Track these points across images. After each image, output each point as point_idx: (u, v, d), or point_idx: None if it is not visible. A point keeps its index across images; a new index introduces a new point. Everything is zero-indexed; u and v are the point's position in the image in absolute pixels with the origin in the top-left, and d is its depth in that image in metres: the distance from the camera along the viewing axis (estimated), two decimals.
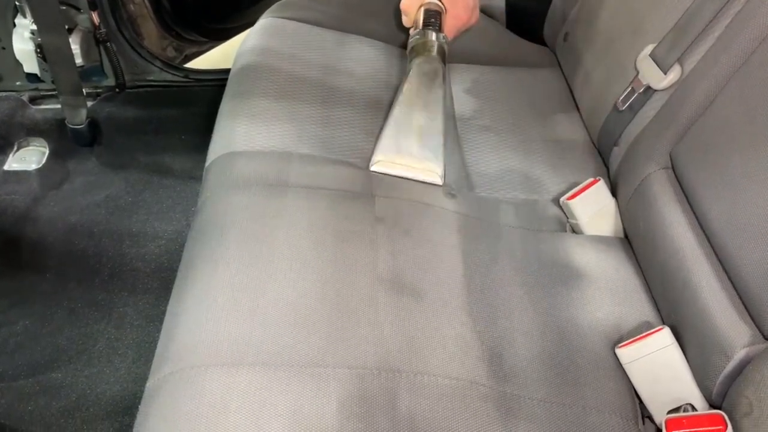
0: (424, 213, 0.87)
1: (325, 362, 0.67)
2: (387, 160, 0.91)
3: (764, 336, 0.64)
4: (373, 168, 0.91)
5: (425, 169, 0.90)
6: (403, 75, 1.13)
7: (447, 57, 1.04)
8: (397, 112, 0.93)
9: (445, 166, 0.91)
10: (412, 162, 0.90)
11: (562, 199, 0.93)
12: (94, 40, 1.55)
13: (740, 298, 0.67)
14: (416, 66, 0.95)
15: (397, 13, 1.11)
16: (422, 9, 1.02)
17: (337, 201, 0.85)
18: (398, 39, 1.17)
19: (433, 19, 0.99)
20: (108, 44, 1.57)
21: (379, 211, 0.85)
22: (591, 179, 0.92)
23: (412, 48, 0.99)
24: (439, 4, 1.01)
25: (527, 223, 0.91)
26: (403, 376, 0.67)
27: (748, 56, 0.76)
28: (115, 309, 1.24)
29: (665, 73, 0.87)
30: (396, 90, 1.09)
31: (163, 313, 0.77)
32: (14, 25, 1.49)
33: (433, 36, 0.97)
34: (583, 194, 0.91)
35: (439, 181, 0.90)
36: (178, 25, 1.73)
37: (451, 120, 1.08)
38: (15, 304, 1.24)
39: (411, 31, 1.05)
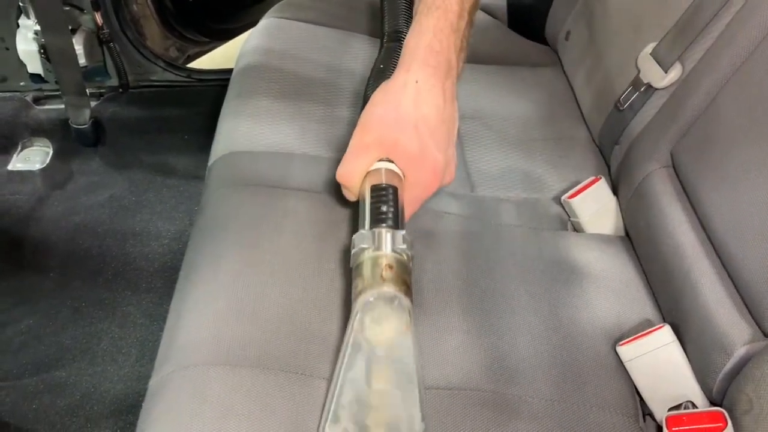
0: (426, 214, 0.87)
1: (324, 375, 0.66)
2: None
3: (764, 333, 0.64)
4: None
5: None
6: None
7: None
8: (343, 380, 0.58)
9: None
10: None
11: (563, 197, 0.93)
12: (98, 40, 1.56)
13: (740, 295, 0.68)
14: (361, 318, 0.57)
15: None
16: (369, 187, 0.66)
17: (342, 201, 0.85)
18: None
19: (383, 204, 0.64)
20: (111, 44, 1.57)
21: None
22: (592, 178, 0.93)
23: (356, 269, 0.62)
24: (394, 170, 0.67)
25: (528, 221, 0.91)
26: None
27: (749, 54, 0.76)
28: (118, 308, 1.24)
29: (666, 72, 0.87)
30: None
31: (167, 312, 0.77)
32: (18, 26, 1.50)
33: (389, 245, 0.61)
34: (584, 193, 0.91)
35: None
36: (181, 26, 1.74)
37: None
38: (19, 303, 1.25)
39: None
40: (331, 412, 0.59)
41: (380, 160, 0.67)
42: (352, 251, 0.63)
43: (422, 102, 0.67)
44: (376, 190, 0.65)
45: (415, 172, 0.68)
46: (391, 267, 0.59)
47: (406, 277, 0.60)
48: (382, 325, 0.57)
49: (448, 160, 0.70)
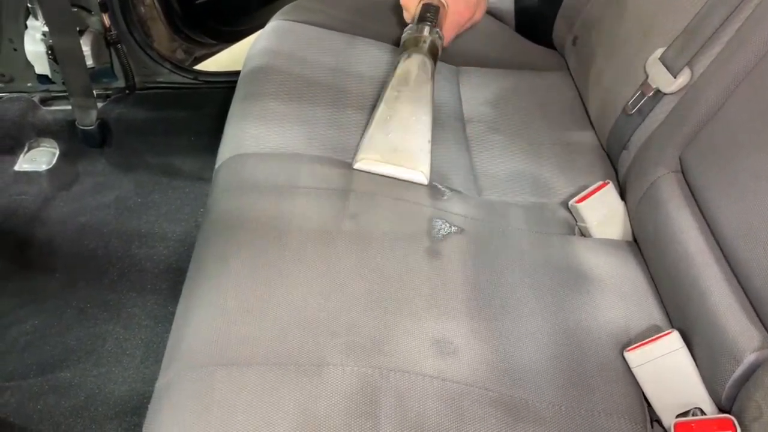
0: (434, 217, 0.87)
1: (333, 361, 0.67)
2: (371, 158, 0.89)
3: None
4: (356, 166, 0.89)
5: (410, 168, 0.88)
6: None
7: (456, 59, 1.04)
8: (382, 109, 0.90)
9: (431, 164, 0.89)
10: (397, 160, 0.88)
11: (571, 202, 0.93)
12: (105, 42, 1.56)
13: (750, 302, 0.67)
14: (404, 61, 0.92)
15: (398, 14, 1.12)
16: (421, 4, 0.99)
17: (348, 202, 0.85)
18: (399, 38, 1.17)
19: (429, 13, 0.96)
20: (118, 46, 1.58)
21: (389, 215, 0.85)
22: (600, 182, 0.92)
23: (403, 43, 0.96)
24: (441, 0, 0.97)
25: (536, 226, 0.91)
26: (411, 378, 0.67)
27: (759, 60, 0.76)
28: (123, 309, 1.24)
29: (675, 77, 0.86)
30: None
31: (171, 313, 0.77)
32: (26, 27, 1.50)
33: (426, 31, 0.94)
34: (592, 197, 0.91)
35: (424, 180, 0.89)
36: (188, 28, 1.74)
37: (459, 122, 1.09)
38: (25, 304, 1.25)
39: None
40: (365, 140, 0.90)
41: None
42: (402, 36, 0.97)
43: None
44: (425, 6, 0.98)
45: (455, 4, 0.99)
46: (425, 41, 0.94)
47: (436, 51, 0.95)
48: (414, 73, 0.90)
49: (479, 1, 1.03)
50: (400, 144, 0.89)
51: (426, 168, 0.89)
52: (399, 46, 1.00)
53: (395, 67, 0.91)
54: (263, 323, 0.70)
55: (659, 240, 0.81)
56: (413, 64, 0.90)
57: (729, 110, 0.78)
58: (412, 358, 0.69)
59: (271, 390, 0.64)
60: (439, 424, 0.64)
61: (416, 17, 0.99)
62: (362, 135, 0.92)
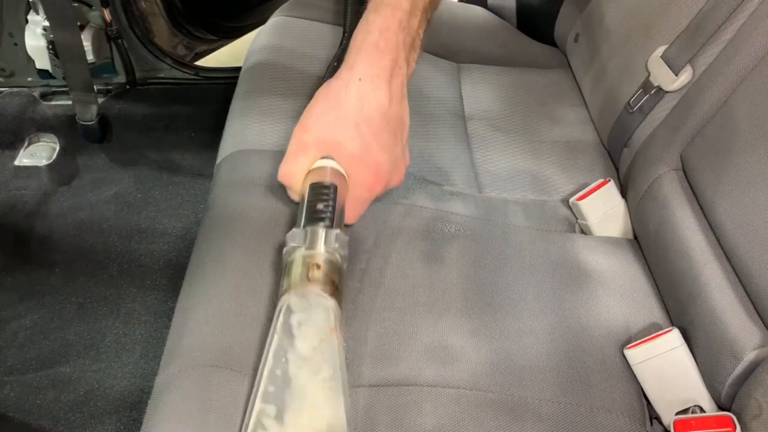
0: (432, 214, 0.87)
1: None
2: None
3: None
4: None
5: None
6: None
7: (457, 56, 1.01)
8: (265, 382, 0.56)
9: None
10: None
11: (571, 199, 0.93)
12: (106, 37, 1.56)
13: (751, 300, 0.67)
14: (286, 309, 0.57)
15: None
16: (308, 186, 0.66)
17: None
18: None
19: (323, 202, 0.63)
20: (119, 41, 1.57)
21: (389, 214, 0.85)
22: (601, 180, 0.92)
23: (285, 268, 0.62)
24: (336, 168, 0.66)
25: (536, 223, 0.91)
26: (408, 389, 0.67)
27: (761, 58, 0.76)
28: (123, 305, 1.24)
29: (677, 75, 0.86)
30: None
31: (171, 309, 0.77)
32: (27, 22, 1.50)
33: (321, 243, 0.60)
34: (592, 195, 0.91)
35: None
36: (189, 23, 1.74)
37: (460, 119, 1.08)
38: (24, 299, 1.25)
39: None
40: (253, 416, 0.55)
41: (324, 158, 0.66)
42: (284, 250, 0.62)
43: (365, 101, 0.66)
44: (314, 187, 0.65)
45: (357, 173, 0.67)
46: (319, 266, 0.58)
47: (334, 277, 0.59)
48: (306, 327, 0.56)
49: (395, 161, 0.68)
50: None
51: None
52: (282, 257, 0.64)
53: (277, 313, 0.58)
54: (263, 323, 0.69)
55: (660, 238, 0.81)
56: (305, 313, 0.56)
57: (731, 108, 0.78)
58: (410, 366, 0.69)
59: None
60: (439, 427, 0.64)
61: (303, 210, 0.65)
62: (245, 413, 0.59)
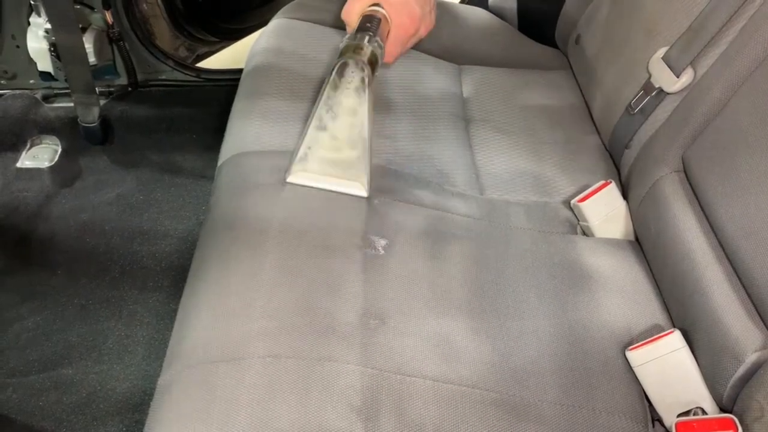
0: (434, 215, 0.87)
1: (335, 358, 0.67)
2: (305, 170, 0.85)
3: None
4: (289, 179, 0.86)
5: (347, 180, 0.85)
6: (414, 76, 1.13)
7: (459, 57, 1.01)
8: (316, 117, 0.84)
9: (370, 175, 0.85)
10: (333, 172, 0.85)
11: (573, 201, 0.93)
12: (108, 39, 1.56)
13: (752, 301, 0.67)
14: (339, 67, 0.83)
15: None
16: (362, 15, 0.90)
17: (350, 201, 0.85)
18: None
19: (370, 24, 0.87)
20: (121, 43, 1.58)
21: (391, 214, 0.85)
22: (602, 182, 0.92)
23: (340, 51, 0.86)
24: (383, 11, 0.88)
25: (538, 225, 0.91)
26: (411, 380, 0.67)
27: (762, 59, 0.76)
28: (125, 306, 1.24)
29: (678, 76, 0.86)
30: (407, 90, 1.10)
31: (173, 311, 0.77)
32: (29, 24, 1.50)
33: (366, 40, 0.84)
34: (594, 197, 0.91)
35: (363, 192, 0.86)
36: (191, 25, 1.74)
37: (462, 120, 1.09)
38: (27, 300, 1.25)
39: None
40: (299, 152, 0.84)
41: (374, 5, 0.87)
42: (340, 46, 0.84)
43: None
44: (364, 18, 0.87)
45: (397, 16, 0.88)
46: (362, 49, 0.82)
47: (375, 61, 0.83)
48: (351, 81, 0.81)
49: (425, 15, 0.91)
50: (336, 155, 0.85)
51: (364, 179, 0.85)
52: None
53: (330, 72, 0.83)
54: (265, 321, 0.70)
55: (661, 239, 0.81)
56: (350, 71, 0.82)
57: (732, 110, 0.78)
58: (414, 360, 0.69)
59: (272, 388, 0.64)
60: (439, 426, 0.64)
61: (356, 28, 0.90)
62: (296, 144, 0.86)
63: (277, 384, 0.64)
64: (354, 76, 0.81)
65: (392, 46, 0.89)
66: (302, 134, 0.85)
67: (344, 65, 0.81)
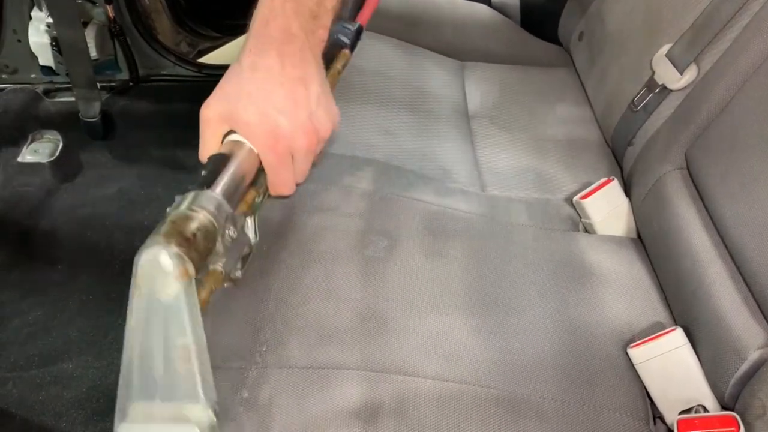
0: (436, 212, 0.87)
1: (334, 363, 0.67)
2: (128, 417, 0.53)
3: None
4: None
5: (174, 416, 0.53)
6: (416, 72, 1.13)
7: (461, 54, 0.99)
8: (126, 336, 0.53)
9: (211, 405, 0.53)
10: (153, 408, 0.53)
11: (575, 198, 0.93)
12: (109, 33, 1.56)
13: (755, 299, 0.67)
14: (134, 277, 0.54)
15: (402, 9, 1.10)
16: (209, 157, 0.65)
17: (351, 198, 0.85)
18: (406, 34, 1.16)
19: (205, 170, 0.61)
20: (122, 38, 1.58)
21: (393, 210, 0.85)
22: (604, 179, 0.92)
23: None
24: (239, 140, 0.64)
25: (539, 222, 0.91)
26: (411, 379, 0.67)
27: (766, 57, 0.75)
28: (126, 302, 1.24)
29: (681, 73, 0.86)
30: (408, 86, 1.09)
31: None
32: (30, 18, 1.51)
33: (185, 203, 0.57)
34: (596, 194, 0.90)
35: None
36: (192, 20, 1.74)
37: (464, 117, 1.08)
38: (27, 295, 1.25)
39: None
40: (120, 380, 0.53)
41: (232, 132, 0.65)
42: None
43: (255, 70, 0.66)
44: (208, 159, 0.64)
45: (256, 138, 0.65)
46: (174, 223, 0.55)
47: (188, 232, 0.55)
48: (153, 284, 0.54)
49: (299, 123, 0.66)
50: (159, 383, 0.53)
51: (198, 410, 0.53)
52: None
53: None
54: (264, 326, 0.69)
55: (664, 237, 0.81)
56: (146, 264, 0.54)
57: (736, 107, 0.77)
58: (414, 359, 0.69)
59: (270, 389, 0.64)
60: (439, 425, 0.64)
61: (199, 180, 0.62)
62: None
63: (275, 390, 0.64)
64: (149, 270, 0.54)
65: (273, 175, 0.67)
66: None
67: (141, 255, 0.53)
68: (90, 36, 1.50)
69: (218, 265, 0.59)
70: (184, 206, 0.56)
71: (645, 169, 0.89)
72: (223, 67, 0.66)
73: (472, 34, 1.22)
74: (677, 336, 0.70)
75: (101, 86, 1.60)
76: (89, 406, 1.09)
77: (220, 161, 0.62)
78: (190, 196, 0.57)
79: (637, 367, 0.72)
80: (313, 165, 0.71)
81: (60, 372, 1.13)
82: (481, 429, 0.64)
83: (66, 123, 1.58)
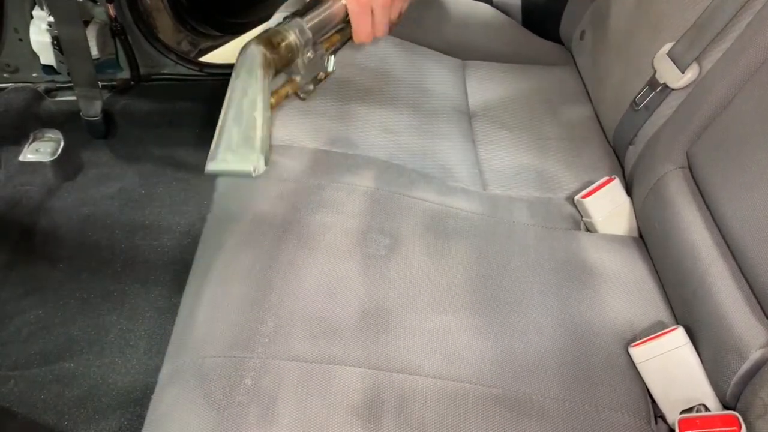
0: (437, 211, 0.87)
1: (336, 359, 0.67)
2: (213, 158, 0.84)
3: None
4: (208, 170, 0.85)
5: (240, 160, 0.83)
6: (418, 71, 1.13)
7: (462, 53, 1.00)
8: (224, 107, 0.84)
9: (264, 156, 0.83)
10: (232, 156, 0.83)
11: (576, 197, 0.93)
12: (110, 32, 1.56)
13: (756, 298, 0.67)
14: (239, 55, 0.82)
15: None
16: None
17: (353, 196, 0.85)
18: (405, 32, 1.16)
19: (305, 8, 0.83)
20: (123, 37, 1.58)
21: (394, 209, 0.85)
22: (606, 178, 0.92)
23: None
24: None
25: (541, 221, 0.91)
26: (413, 377, 0.67)
27: None
28: (127, 300, 1.24)
29: (683, 72, 0.86)
30: (407, 85, 1.09)
31: (175, 305, 0.77)
32: (31, 17, 1.50)
33: (274, 22, 0.81)
34: (597, 193, 0.90)
35: (251, 170, 0.83)
36: (193, 19, 1.74)
37: (465, 115, 1.08)
38: (28, 294, 1.25)
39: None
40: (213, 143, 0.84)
41: None
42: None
43: None
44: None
45: None
46: (267, 32, 0.82)
47: (275, 41, 0.82)
48: (241, 65, 0.81)
49: None
50: (237, 138, 0.83)
51: (254, 156, 0.83)
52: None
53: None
54: (267, 319, 0.69)
55: (665, 236, 0.81)
56: (243, 55, 0.82)
57: (737, 106, 0.77)
58: (416, 358, 0.69)
59: (272, 384, 0.64)
60: (440, 423, 0.64)
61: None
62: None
63: (277, 385, 0.64)
64: (245, 59, 0.81)
65: (356, 23, 0.88)
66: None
67: (243, 49, 0.82)
68: (91, 35, 1.50)
69: (297, 77, 0.88)
70: (278, 25, 0.83)
71: (646, 168, 0.89)
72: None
73: (473, 33, 1.22)
74: (678, 335, 0.70)
75: (102, 85, 1.60)
76: (90, 405, 1.09)
77: (318, 2, 0.85)
78: (285, 19, 0.82)
79: (638, 366, 0.72)
80: (392, 24, 0.92)
81: (61, 370, 1.13)
82: (482, 428, 0.64)
83: (67, 122, 1.58)
